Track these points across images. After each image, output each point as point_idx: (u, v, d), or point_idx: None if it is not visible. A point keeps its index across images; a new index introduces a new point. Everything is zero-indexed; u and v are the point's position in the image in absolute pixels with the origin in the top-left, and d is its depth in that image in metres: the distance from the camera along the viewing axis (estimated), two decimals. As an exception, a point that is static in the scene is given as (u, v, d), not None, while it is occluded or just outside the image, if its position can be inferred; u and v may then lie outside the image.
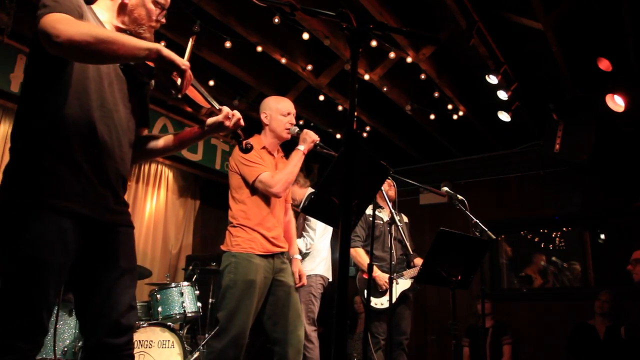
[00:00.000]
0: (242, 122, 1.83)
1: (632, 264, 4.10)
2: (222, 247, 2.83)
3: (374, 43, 4.32)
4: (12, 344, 1.40)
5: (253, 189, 2.80)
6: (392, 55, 4.56)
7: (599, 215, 5.69)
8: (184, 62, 1.53)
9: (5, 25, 3.93)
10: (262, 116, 2.95)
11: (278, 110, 2.92)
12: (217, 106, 1.80)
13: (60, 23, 1.40)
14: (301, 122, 5.51)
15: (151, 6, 1.72)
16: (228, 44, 4.24)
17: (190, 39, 1.74)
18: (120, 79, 1.69)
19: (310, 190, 4.21)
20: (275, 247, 2.82)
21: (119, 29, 1.71)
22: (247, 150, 1.98)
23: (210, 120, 1.81)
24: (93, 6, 1.70)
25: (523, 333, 5.67)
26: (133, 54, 1.46)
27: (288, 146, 2.99)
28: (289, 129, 2.91)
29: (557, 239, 6.17)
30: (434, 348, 6.23)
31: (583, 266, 5.83)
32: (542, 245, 6.22)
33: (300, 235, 4.00)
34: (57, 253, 1.46)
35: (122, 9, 1.71)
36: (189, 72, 1.55)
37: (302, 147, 2.84)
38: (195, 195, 6.49)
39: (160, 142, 1.89)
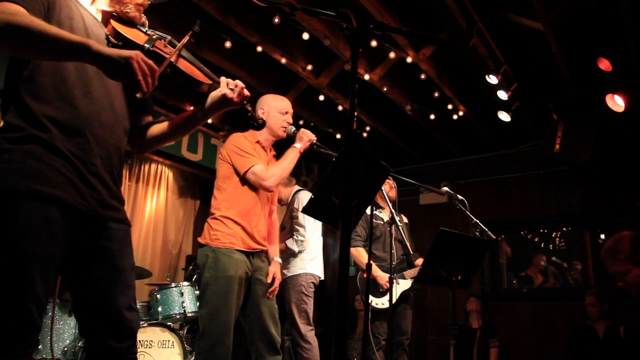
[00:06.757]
0: (246, 92, 1.72)
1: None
2: (200, 240, 2.77)
3: (374, 43, 4.32)
4: (2, 342, 1.31)
5: (243, 179, 2.77)
6: (392, 55, 4.56)
7: (599, 215, 5.69)
8: (124, 54, 1.34)
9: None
10: (259, 112, 2.92)
11: (276, 108, 2.92)
12: (216, 79, 1.69)
13: None
14: (301, 122, 5.51)
15: None
16: (228, 44, 4.24)
17: (187, 35, 1.65)
18: None
19: (296, 188, 4.18)
20: (255, 244, 2.77)
21: (105, 13, 1.63)
22: (260, 126, 1.86)
23: (211, 95, 1.70)
24: None
25: (523, 333, 5.67)
26: (53, 48, 1.31)
27: (282, 146, 2.98)
28: (285, 127, 2.90)
29: (557, 239, 6.17)
30: (434, 348, 6.23)
31: (583, 266, 5.83)
32: (542, 245, 6.22)
33: (290, 236, 3.93)
34: (43, 243, 1.35)
35: None
36: (137, 63, 1.35)
37: (298, 145, 2.84)
38: (195, 195, 6.49)
39: (156, 129, 1.78)
